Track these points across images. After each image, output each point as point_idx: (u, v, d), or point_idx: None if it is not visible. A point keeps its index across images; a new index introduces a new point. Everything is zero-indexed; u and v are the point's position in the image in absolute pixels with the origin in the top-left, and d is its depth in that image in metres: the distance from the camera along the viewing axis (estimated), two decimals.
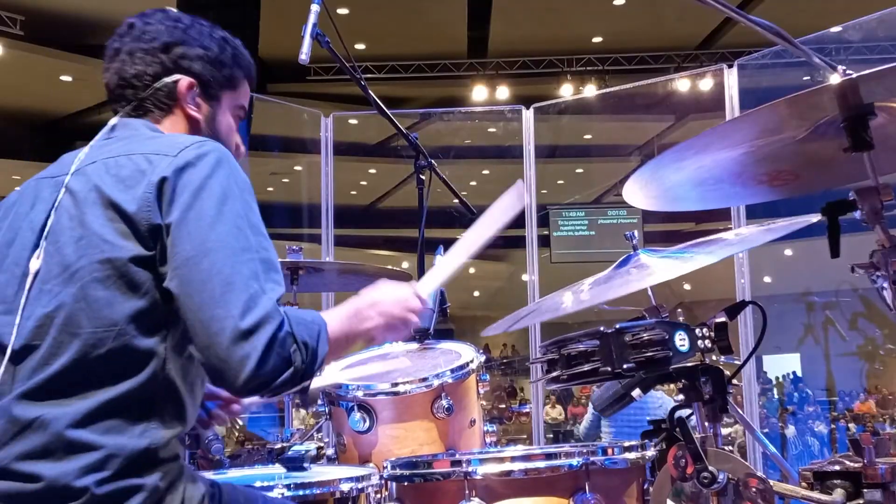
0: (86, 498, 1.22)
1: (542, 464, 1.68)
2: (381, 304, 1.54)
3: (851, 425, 12.56)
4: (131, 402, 1.29)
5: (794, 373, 14.94)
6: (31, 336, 1.29)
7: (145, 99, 1.51)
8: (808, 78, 4.71)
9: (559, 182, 13.54)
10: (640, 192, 1.91)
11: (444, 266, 1.75)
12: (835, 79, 1.51)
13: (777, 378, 14.81)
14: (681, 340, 1.81)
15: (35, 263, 1.33)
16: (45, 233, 1.34)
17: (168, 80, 1.52)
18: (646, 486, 1.80)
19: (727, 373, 1.86)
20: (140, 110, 1.52)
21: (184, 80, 1.53)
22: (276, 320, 1.29)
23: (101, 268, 1.29)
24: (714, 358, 1.88)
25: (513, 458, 1.70)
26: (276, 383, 1.29)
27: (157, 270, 1.31)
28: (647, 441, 1.83)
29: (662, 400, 5.40)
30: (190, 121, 1.55)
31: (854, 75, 1.48)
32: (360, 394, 2.18)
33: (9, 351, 1.28)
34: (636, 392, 2.01)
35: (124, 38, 1.53)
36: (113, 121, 1.51)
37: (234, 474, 2.05)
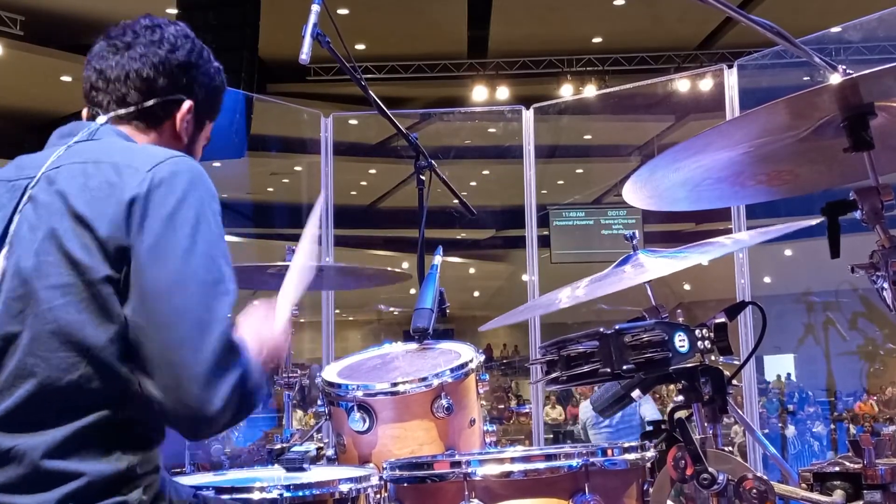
0: None
1: (541, 465, 1.67)
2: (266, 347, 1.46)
3: (851, 427, 12.57)
4: (108, 427, 1.25)
5: (788, 374, 14.98)
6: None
7: (148, 108, 1.47)
8: (808, 78, 4.71)
9: (559, 182, 13.55)
10: (639, 193, 1.91)
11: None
12: (835, 79, 1.51)
13: (778, 377, 14.84)
14: (680, 341, 1.81)
15: None
16: (6, 241, 1.28)
17: (173, 97, 1.49)
18: (645, 488, 1.79)
19: (727, 373, 1.86)
20: (133, 117, 1.46)
21: (187, 103, 1.51)
22: (242, 367, 1.27)
23: (73, 290, 1.23)
24: (714, 358, 1.88)
25: (512, 460, 1.69)
26: (228, 427, 1.27)
27: (123, 293, 1.26)
28: (646, 442, 1.83)
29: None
30: (175, 141, 1.51)
31: (854, 75, 1.48)
32: (359, 394, 2.17)
33: None
34: (636, 393, 2.01)
35: (140, 36, 1.47)
36: (101, 119, 1.44)
37: (233, 475, 2.05)
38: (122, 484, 1.25)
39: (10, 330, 1.24)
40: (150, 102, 1.47)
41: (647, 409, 5.37)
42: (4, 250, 1.28)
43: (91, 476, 1.21)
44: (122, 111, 1.46)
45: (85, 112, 1.51)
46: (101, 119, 1.45)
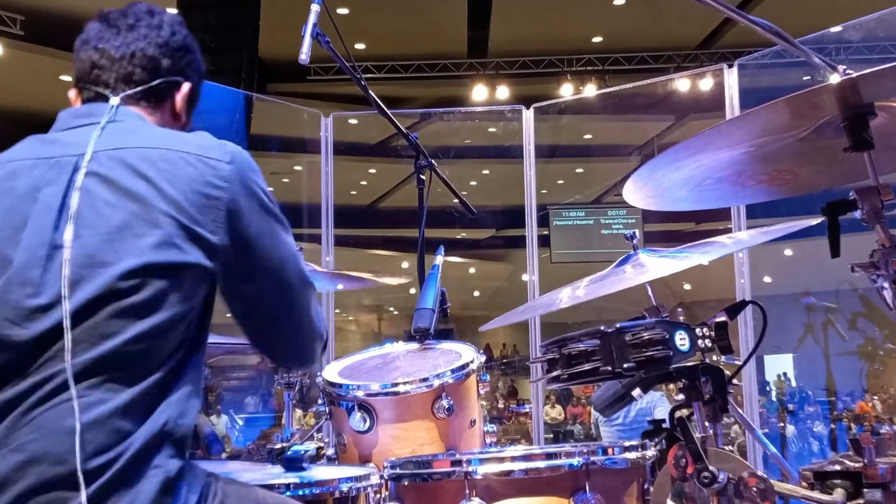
0: (101, 481, 1.20)
1: (542, 464, 1.67)
2: None
3: (852, 425, 12.59)
4: (159, 390, 1.28)
5: (784, 374, 15.01)
6: (72, 317, 1.25)
7: (154, 87, 1.50)
8: (808, 78, 4.70)
9: (559, 182, 13.56)
10: (640, 192, 1.91)
11: None
12: (835, 78, 1.51)
13: (779, 377, 14.85)
14: (681, 340, 1.81)
15: (67, 245, 1.28)
16: (69, 214, 1.30)
17: (175, 78, 1.53)
18: (646, 486, 1.80)
19: (727, 373, 1.86)
20: (140, 96, 1.49)
21: (186, 85, 1.55)
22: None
23: (168, 268, 1.29)
24: (714, 357, 1.88)
25: (513, 458, 1.69)
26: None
27: (216, 274, 1.36)
28: (647, 441, 1.83)
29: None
30: (175, 121, 1.55)
31: (854, 75, 1.48)
32: (360, 394, 2.17)
33: (67, 339, 1.24)
34: (636, 391, 2.01)
35: (141, 20, 1.51)
36: (115, 100, 1.46)
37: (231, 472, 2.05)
38: (157, 448, 1.27)
39: (92, 296, 1.26)
40: (156, 82, 1.50)
41: (662, 410, 5.35)
42: (72, 215, 1.30)
43: (136, 436, 1.24)
44: (130, 91, 1.48)
45: (74, 94, 1.51)
46: (115, 100, 1.46)
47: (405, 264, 12.79)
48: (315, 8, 2.48)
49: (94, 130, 1.39)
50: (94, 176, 1.33)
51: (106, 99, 1.47)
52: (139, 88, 1.49)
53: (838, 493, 1.67)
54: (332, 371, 2.34)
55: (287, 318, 1.49)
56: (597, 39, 12.86)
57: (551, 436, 12.32)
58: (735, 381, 1.90)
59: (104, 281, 1.26)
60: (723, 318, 1.88)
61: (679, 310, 2.05)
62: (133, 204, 1.31)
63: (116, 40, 1.49)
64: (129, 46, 1.49)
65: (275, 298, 1.46)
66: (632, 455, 1.74)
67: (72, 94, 1.52)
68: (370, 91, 2.75)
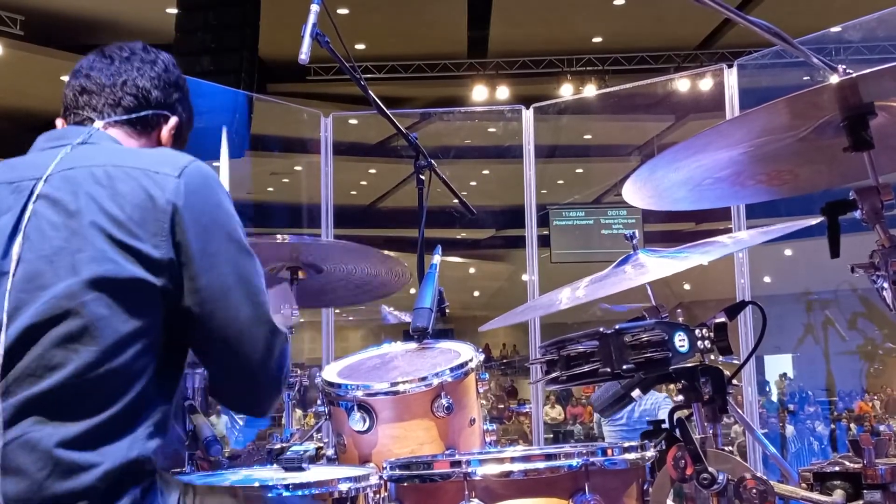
0: None
1: (541, 464, 1.67)
2: None
3: (852, 425, 12.60)
4: (123, 421, 1.25)
5: (784, 374, 15.02)
6: (13, 346, 1.23)
7: (143, 117, 1.52)
8: (808, 78, 4.70)
9: (559, 182, 13.55)
10: (639, 192, 1.91)
11: None
12: (834, 78, 1.51)
13: (780, 377, 14.87)
14: (680, 341, 1.81)
15: (12, 270, 1.26)
16: (17, 239, 1.29)
17: (163, 112, 1.56)
18: (645, 487, 1.80)
19: (727, 373, 1.86)
20: (125, 122, 1.50)
21: (174, 119, 1.58)
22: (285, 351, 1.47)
23: (104, 285, 1.25)
24: (713, 358, 1.88)
25: (512, 459, 1.69)
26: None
27: (164, 292, 1.31)
28: (646, 442, 1.83)
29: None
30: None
31: (854, 75, 1.48)
32: (359, 393, 2.17)
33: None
34: (636, 392, 2.01)
35: (136, 53, 1.55)
36: (98, 124, 1.47)
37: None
38: (124, 480, 1.24)
39: (37, 321, 1.24)
40: (144, 113, 1.53)
41: (666, 412, 5.36)
42: (18, 240, 1.29)
43: (99, 469, 1.21)
44: (116, 117, 1.50)
45: (61, 122, 1.53)
46: (99, 124, 1.48)
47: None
48: (315, 8, 2.47)
49: (60, 152, 1.38)
50: (44, 198, 1.32)
51: (91, 122, 1.48)
52: (126, 116, 1.50)
53: (838, 495, 1.67)
54: (331, 371, 2.34)
55: (239, 350, 1.37)
56: (597, 39, 12.86)
57: (551, 436, 12.32)
58: (735, 381, 1.89)
59: (44, 303, 1.24)
60: (722, 319, 1.88)
61: (678, 310, 2.05)
62: (73, 222, 1.29)
63: (109, 69, 1.52)
64: (122, 75, 1.52)
65: (223, 328, 1.36)
66: (631, 456, 1.74)
67: (59, 122, 1.54)
68: (370, 91, 2.75)
